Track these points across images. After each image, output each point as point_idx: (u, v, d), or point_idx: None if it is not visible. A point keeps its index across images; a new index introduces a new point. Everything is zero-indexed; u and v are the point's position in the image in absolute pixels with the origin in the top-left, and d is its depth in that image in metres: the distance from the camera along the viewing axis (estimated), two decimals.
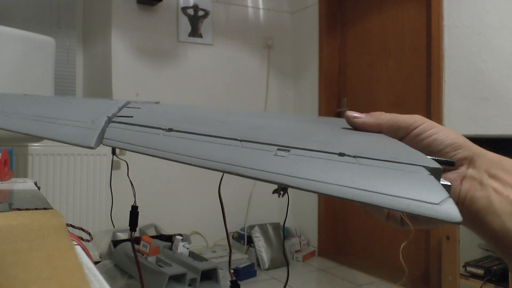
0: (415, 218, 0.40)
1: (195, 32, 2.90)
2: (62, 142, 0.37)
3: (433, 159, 0.35)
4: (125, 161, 0.62)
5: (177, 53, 2.86)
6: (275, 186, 0.40)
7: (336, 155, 0.29)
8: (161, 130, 0.35)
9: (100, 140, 0.36)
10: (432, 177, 0.27)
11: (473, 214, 0.36)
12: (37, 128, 0.40)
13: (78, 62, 2.90)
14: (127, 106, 0.44)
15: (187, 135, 0.34)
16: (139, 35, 2.72)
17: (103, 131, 0.37)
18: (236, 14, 3.11)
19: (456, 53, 2.18)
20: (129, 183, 0.59)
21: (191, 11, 2.89)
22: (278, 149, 0.30)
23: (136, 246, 1.74)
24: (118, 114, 0.40)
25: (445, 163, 0.35)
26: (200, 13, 2.92)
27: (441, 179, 0.29)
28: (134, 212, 0.57)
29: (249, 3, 3.17)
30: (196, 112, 0.46)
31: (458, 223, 0.24)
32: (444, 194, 0.25)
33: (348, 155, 0.29)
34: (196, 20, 2.91)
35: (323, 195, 0.26)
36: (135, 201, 0.57)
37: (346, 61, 3.00)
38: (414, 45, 2.49)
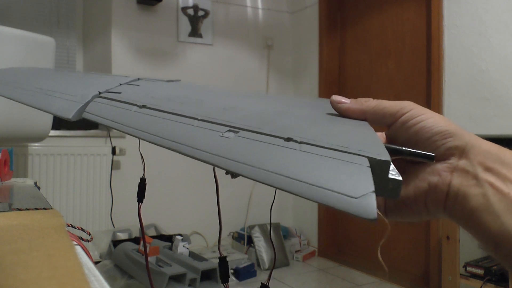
0: (391, 209, 0.36)
1: (195, 32, 2.90)
2: (45, 111, 0.39)
3: (411, 151, 0.33)
4: (137, 137, 0.63)
5: (177, 53, 2.86)
6: None
7: (283, 140, 0.27)
8: (135, 106, 0.36)
9: (81, 113, 0.37)
10: (368, 169, 0.24)
11: (467, 213, 0.32)
12: (29, 98, 0.41)
13: (78, 62, 2.90)
14: (130, 83, 0.44)
15: (155, 112, 0.34)
16: (139, 35, 2.72)
17: (86, 105, 0.38)
18: (236, 14, 3.11)
19: (456, 53, 2.18)
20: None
21: (191, 11, 2.89)
22: (228, 130, 0.29)
23: (136, 246, 1.74)
24: (112, 90, 0.40)
25: (424, 157, 0.32)
26: (200, 13, 2.92)
27: (393, 172, 0.26)
28: (142, 184, 0.59)
29: (249, 3, 3.16)
30: (189, 91, 0.46)
31: (372, 220, 0.21)
32: (369, 188, 0.22)
33: (295, 141, 0.27)
34: (196, 20, 2.91)
35: (252, 180, 0.25)
36: (144, 173, 0.59)
37: (346, 61, 3.00)
38: (414, 45, 2.49)
